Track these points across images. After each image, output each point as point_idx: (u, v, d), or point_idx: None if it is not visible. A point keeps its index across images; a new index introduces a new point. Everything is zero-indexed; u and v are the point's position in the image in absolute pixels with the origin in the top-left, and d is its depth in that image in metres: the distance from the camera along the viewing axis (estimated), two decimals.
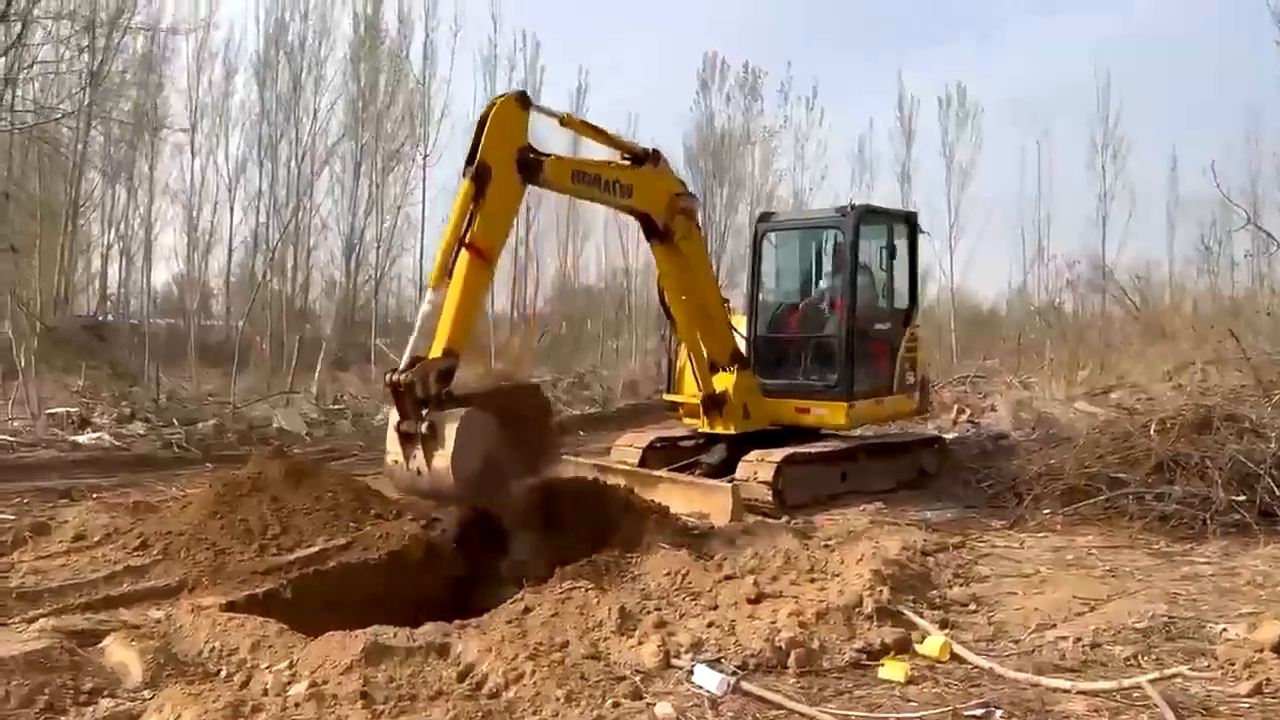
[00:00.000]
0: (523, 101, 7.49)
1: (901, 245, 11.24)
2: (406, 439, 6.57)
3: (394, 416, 6.65)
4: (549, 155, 7.79)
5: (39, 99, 19.32)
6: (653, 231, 9.13)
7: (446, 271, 7.00)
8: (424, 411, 6.47)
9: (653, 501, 8.18)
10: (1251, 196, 30.92)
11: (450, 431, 6.37)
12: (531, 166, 7.50)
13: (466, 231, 7.02)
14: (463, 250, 7.01)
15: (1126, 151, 35.02)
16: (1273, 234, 19.15)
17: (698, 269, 9.52)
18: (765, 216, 11.96)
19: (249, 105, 28.13)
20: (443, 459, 6.36)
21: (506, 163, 7.26)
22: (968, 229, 35.98)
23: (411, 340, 6.77)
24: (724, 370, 10.18)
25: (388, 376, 6.58)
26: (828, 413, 10.41)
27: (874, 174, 37.70)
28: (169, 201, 28.46)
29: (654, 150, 8.93)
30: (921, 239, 11.71)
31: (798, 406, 10.55)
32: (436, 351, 6.72)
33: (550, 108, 8.25)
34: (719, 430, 10.37)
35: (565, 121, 8.62)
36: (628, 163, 8.83)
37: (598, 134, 9.02)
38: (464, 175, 7.15)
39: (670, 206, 8.95)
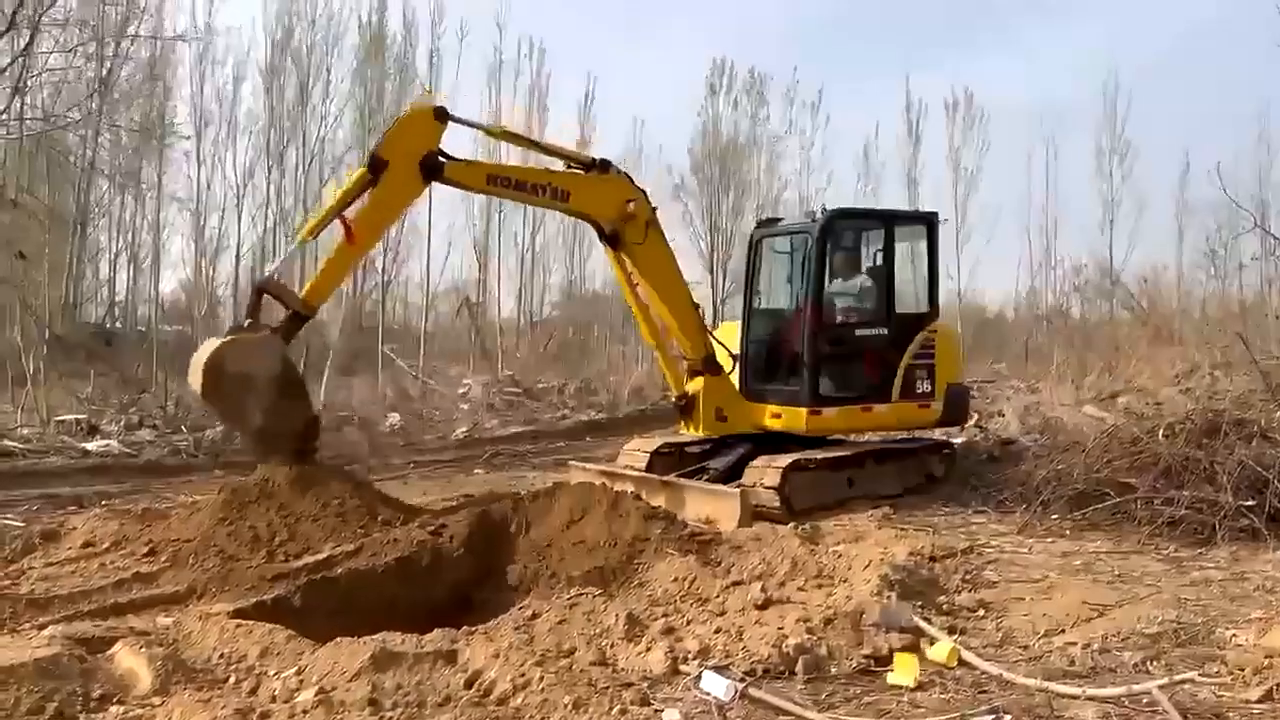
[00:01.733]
0: (439, 115, 7.95)
1: (907, 248, 11.15)
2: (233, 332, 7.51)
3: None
4: (460, 160, 8.16)
5: (47, 107, 19.43)
6: (603, 236, 9.23)
7: (313, 233, 7.81)
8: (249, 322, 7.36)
9: (659, 507, 8.17)
10: (1260, 200, 30.83)
11: (254, 334, 7.23)
12: (434, 167, 7.93)
13: (347, 207, 7.64)
14: (339, 223, 7.65)
15: (1134, 156, 34.88)
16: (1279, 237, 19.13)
17: (659, 274, 9.56)
18: (761, 223, 11.95)
19: (256, 112, 28.20)
20: (223, 340, 7.18)
21: (407, 162, 7.75)
22: (975, 233, 35.84)
23: (280, 262, 7.57)
24: (700, 374, 10.27)
25: (265, 278, 7.49)
26: (790, 418, 10.39)
27: (881, 178, 37.58)
28: (177, 209, 28.53)
29: (602, 159, 9.01)
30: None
31: (772, 412, 10.57)
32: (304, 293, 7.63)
33: (475, 120, 8.58)
34: (690, 432, 10.58)
35: (490, 133, 8.96)
36: (577, 171, 8.94)
37: (533, 144, 9.34)
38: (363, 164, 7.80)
39: (619, 212, 9.00)
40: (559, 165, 9.25)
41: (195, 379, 7.24)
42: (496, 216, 30.82)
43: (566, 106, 38.34)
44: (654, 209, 9.60)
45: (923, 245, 11.25)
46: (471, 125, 8.81)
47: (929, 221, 11.45)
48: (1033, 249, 36.53)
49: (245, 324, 7.43)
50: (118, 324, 28.67)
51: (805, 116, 36.09)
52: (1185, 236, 35.19)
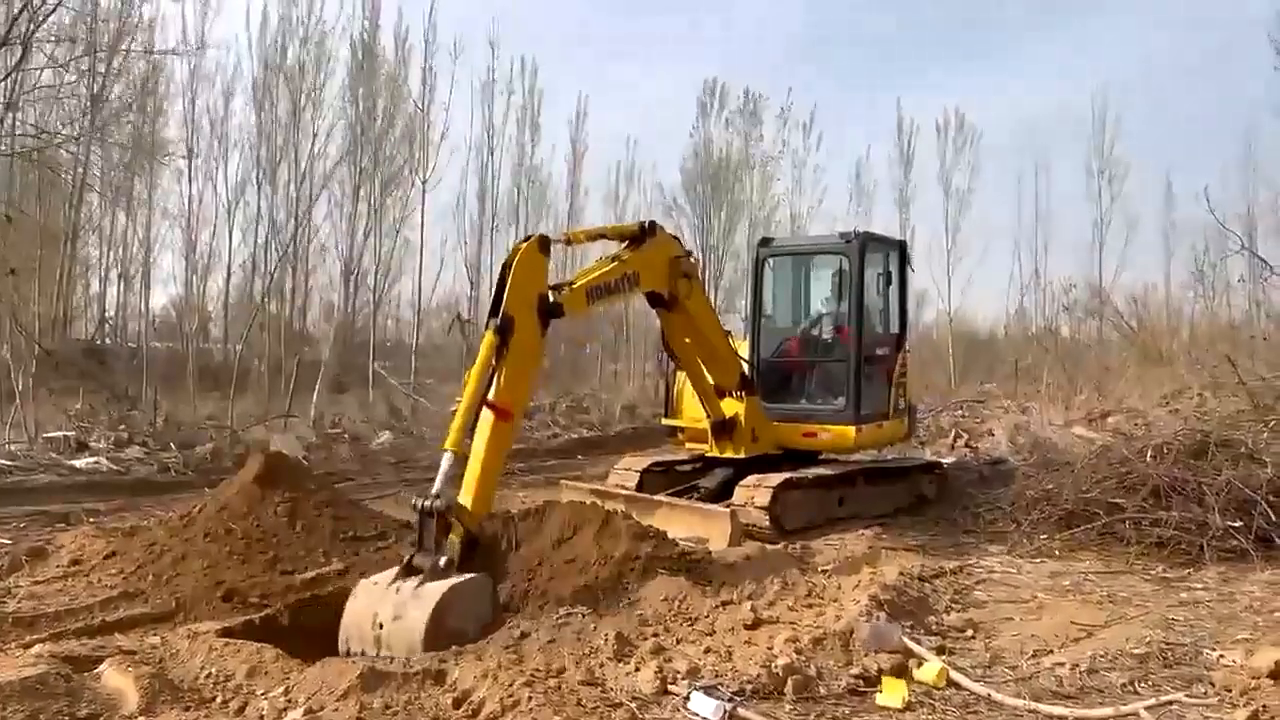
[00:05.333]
0: (543, 247, 7.33)
1: (894, 272, 11.33)
2: (410, 571, 5.95)
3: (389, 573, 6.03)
4: (563, 289, 7.61)
5: (39, 122, 19.41)
6: (658, 302, 9.16)
7: (467, 431, 6.58)
8: (442, 558, 5.96)
9: (650, 526, 8.17)
10: (1247, 220, 31.07)
11: (463, 579, 5.90)
12: (551, 310, 7.36)
13: (489, 389, 6.73)
14: (484, 409, 6.70)
15: (1123, 175, 35.16)
16: (1266, 259, 19.27)
17: (702, 318, 9.55)
18: (765, 242, 12.01)
19: (248, 128, 28.23)
20: (436, 592, 5.73)
21: (528, 312, 7.09)
22: (965, 254, 36.07)
23: (438, 481, 6.21)
24: (732, 396, 10.25)
25: (417, 501, 6.14)
26: (835, 436, 10.51)
27: (872, 199, 37.82)
28: (168, 225, 28.52)
29: (649, 223, 8.89)
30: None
31: (804, 431, 10.63)
32: (467, 502, 6.35)
33: (554, 236, 7.99)
34: (729, 454, 10.46)
35: (570, 240, 8.56)
36: (626, 245, 8.72)
37: (599, 236, 9.04)
38: (486, 328, 6.93)
39: (671, 274, 8.97)
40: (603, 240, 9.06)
41: (415, 637, 5.58)
42: (489, 232, 30.97)
43: (559, 127, 38.51)
44: (689, 254, 9.55)
45: (900, 270, 11.57)
46: (560, 242, 8.38)
47: (901, 248, 11.82)
48: (1022, 268, 36.82)
49: (415, 559, 6.02)
50: (107, 340, 28.57)
51: (797, 136, 36.32)
52: (1174, 256, 35.52)
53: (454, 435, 6.44)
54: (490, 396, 6.72)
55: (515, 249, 7.19)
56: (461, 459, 6.44)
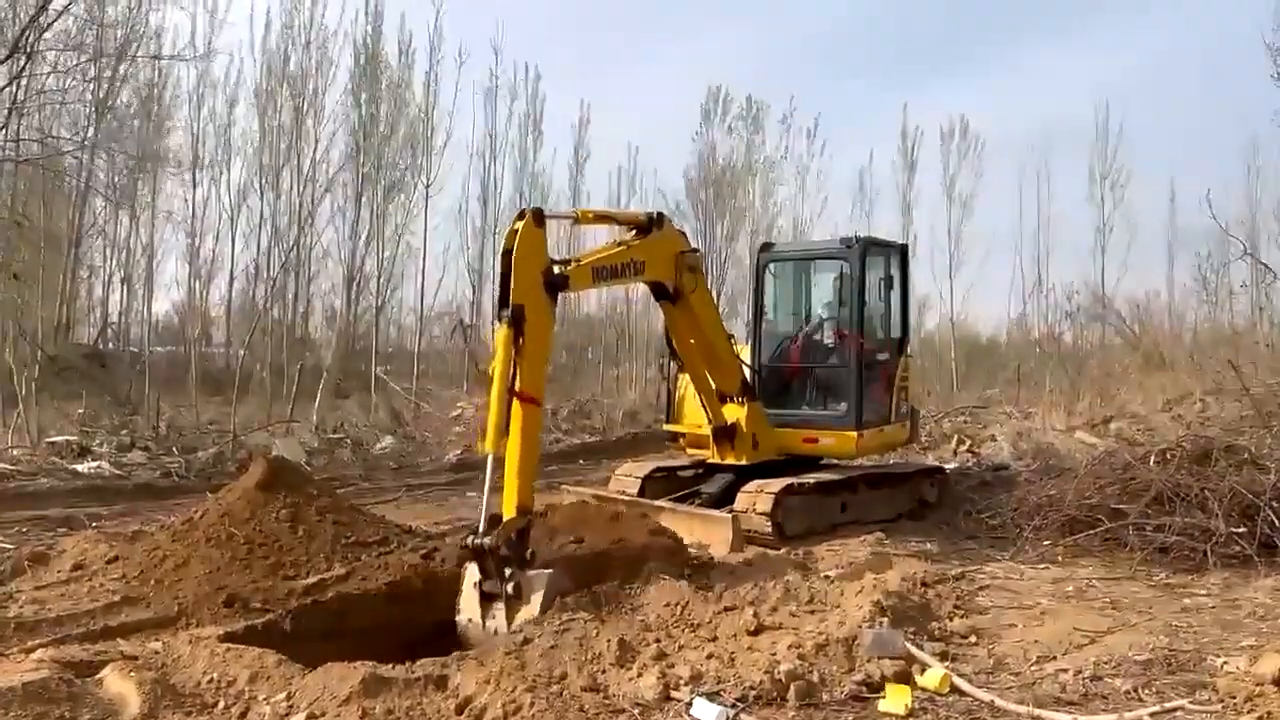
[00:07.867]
0: (539, 220, 7.27)
1: (896, 276, 11.32)
2: (487, 598, 6.32)
3: (470, 575, 6.40)
4: (569, 264, 7.66)
5: (44, 128, 19.44)
6: (663, 294, 9.16)
7: (504, 429, 6.67)
8: (508, 572, 6.25)
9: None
10: (1250, 227, 31.02)
11: (539, 594, 6.20)
12: (558, 284, 7.40)
13: (513, 380, 6.77)
14: (514, 401, 6.76)
15: (1126, 182, 35.09)
16: (1270, 266, 19.29)
17: (705, 316, 9.57)
18: (766, 247, 12.01)
19: (251, 134, 28.28)
20: (529, 617, 6.11)
21: (536, 292, 7.09)
22: (968, 259, 36.01)
23: (484, 499, 6.50)
24: (733, 401, 10.23)
25: (469, 540, 6.34)
26: (836, 442, 10.47)
27: (874, 205, 37.75)
28: (171, 229, 28.56)
29: (657, 214, 8.94)
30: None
31: (805, 436, 10.59)
32: (510, 510, 6.50)
33: (559, 211, 8.05)
34: (730, 461, 10.41)
35: (579, 219, 8.76)
36: (633, 233, 8.78)
37: (608, 219, 9.32)
38: (499, 319, 6.97)
39: (677, 267, 8.99)
40: (613, 229, 9.21)
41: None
42: (491, 238, 30.97)
43: (562, 134, 38.58)
44: (695, 250, 9.58)
45: (902, 274, 11.54)
46: (561, 217, 8.49)
47: (903, 252, 11.82)
48: (1024, 274, 36.78)
49: (484, 586, 6.32)
50: (110, 345, 28.60)
51: (800, 142, 36.28)
52: (1176, 262, 35.47)
53: (491, 437, 6.59)
54: (517, 387, 6.79)
55: (511, 231, 7.18)
56: (501, 461, 6.65)
